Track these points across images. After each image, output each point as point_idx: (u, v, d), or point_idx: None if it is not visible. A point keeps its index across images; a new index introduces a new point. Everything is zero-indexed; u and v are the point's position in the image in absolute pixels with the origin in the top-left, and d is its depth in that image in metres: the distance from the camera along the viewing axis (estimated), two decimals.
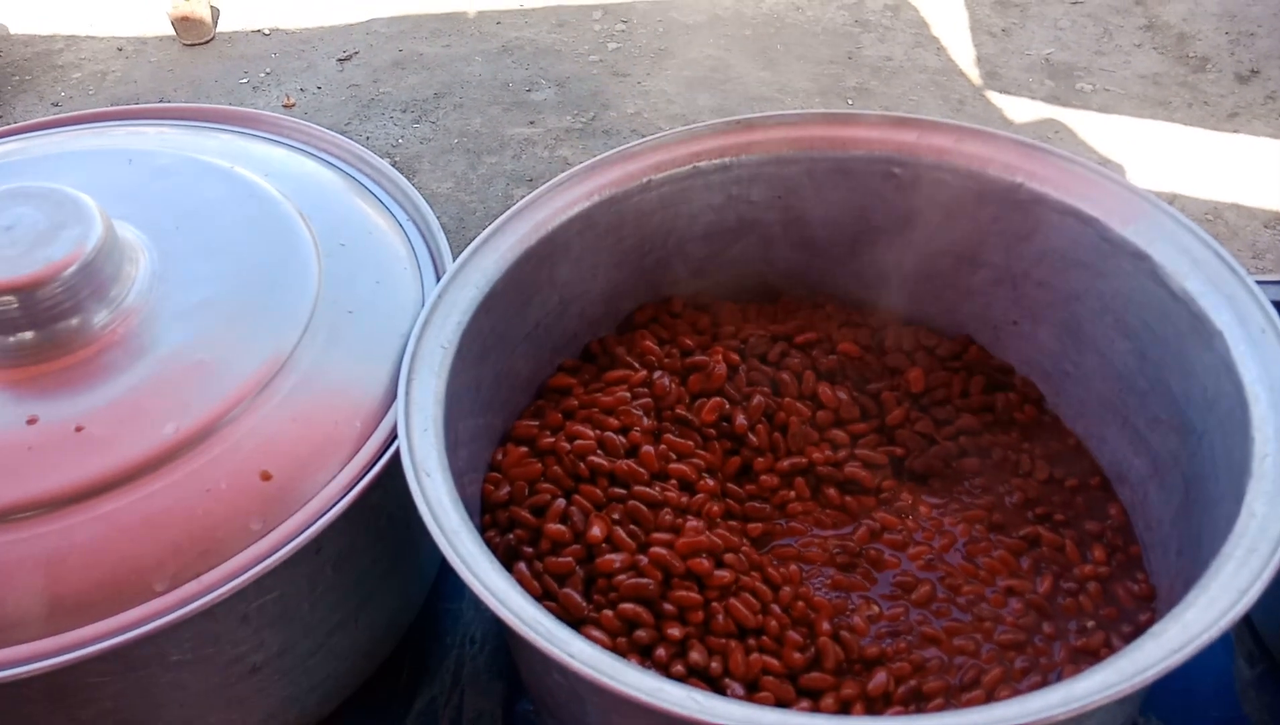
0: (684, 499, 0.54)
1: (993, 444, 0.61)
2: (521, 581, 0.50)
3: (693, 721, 0.37)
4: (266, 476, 0.49)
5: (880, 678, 0.49)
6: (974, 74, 2.21)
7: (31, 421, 0.49)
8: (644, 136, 0.62)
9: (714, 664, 0.48)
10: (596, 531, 0.52)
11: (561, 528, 0.52)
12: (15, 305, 0.50)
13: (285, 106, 2.21)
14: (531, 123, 2.12)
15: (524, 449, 0.57)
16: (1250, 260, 1.75)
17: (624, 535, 0.52)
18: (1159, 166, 1.94)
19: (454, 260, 0.56)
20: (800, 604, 0.52)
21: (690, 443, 0.57)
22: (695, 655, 0.48)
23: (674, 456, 0.56)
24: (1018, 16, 2.37)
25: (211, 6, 2.47)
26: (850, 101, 2.13)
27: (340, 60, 2.34)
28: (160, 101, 2.19)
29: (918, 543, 0.56)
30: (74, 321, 0.51)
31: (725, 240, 0.65)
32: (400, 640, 0.60)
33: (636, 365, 0.61)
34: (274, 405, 0.51)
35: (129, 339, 0.52)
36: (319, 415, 0.52)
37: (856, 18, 2.39)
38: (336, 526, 0.48)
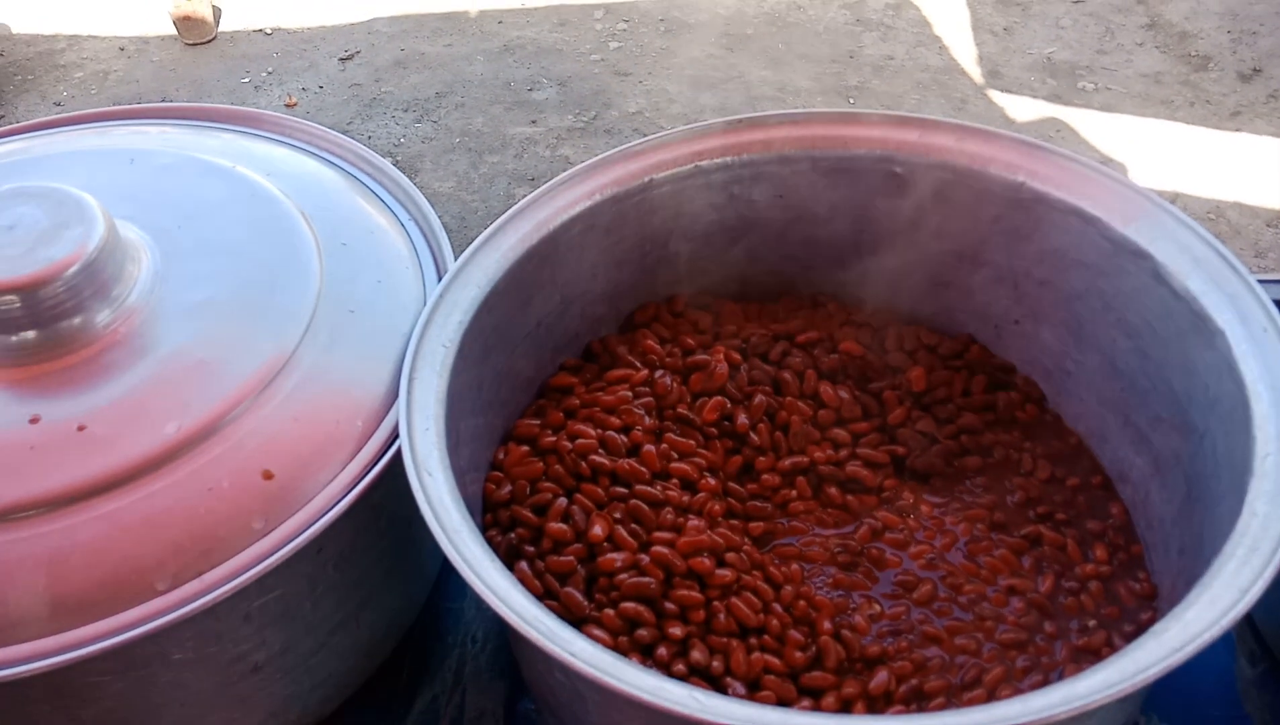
0: (685, 498, 0.54)
1: (994, 443, 0.61)
2: (523, 580, 0.50)
3: (694, 720, 0.37)
4: (268, 475, 0.49)
5: (882, 677, 0.49)
6: (976, 73, 2.21)
7: (34, 421, 0.49)
8: (646, 136, 0.62)
9: (715, 663, 0.48)
10: (598, 530, 0.52)
11: (563, 527, 0.52)
12: (17, 304, 0.50)
13: (287, 106, 2.21)
14: (533, 122, 2.12)
15: (525, 448, 0.57)
16: (1252, 259, 1.75)
17: (625, 534, 0.52)
18: (1161, 165, 1.94)
19: (456, 259, 0.56)
20: (802, 603, 0.52)
21: (692, 442, 0.57)
22: (697, 654, 0.48)
23: (675, 455, 0.56)
24: (1019, 15, 2.37)
25: (213, 6, 2.47)
26: (852, 100, 2.13)
27: (342, 60, 2.34)
28: (162, 101, 2.19)
29: (919, 542, 0.56)
30: (76, 321, 0.51)
31: (727, 239, 0.65)
32: (402, 639, 0.60)
33: (638, 364, 0.61)
34: (276, 404, 0.51)
35: (131, 338, 0.52)
36: (321, 414, 0.52)
37: (858, 17, 2.39)
38: (338, 526, 0.48)
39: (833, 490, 0.58)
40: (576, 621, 0.49)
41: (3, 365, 0.51)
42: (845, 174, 0.63)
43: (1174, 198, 1.84)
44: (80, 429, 0.48)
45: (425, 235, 0.63)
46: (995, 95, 2.14)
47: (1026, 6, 2.39)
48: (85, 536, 0.46)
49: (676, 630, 0.49)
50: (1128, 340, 0.57)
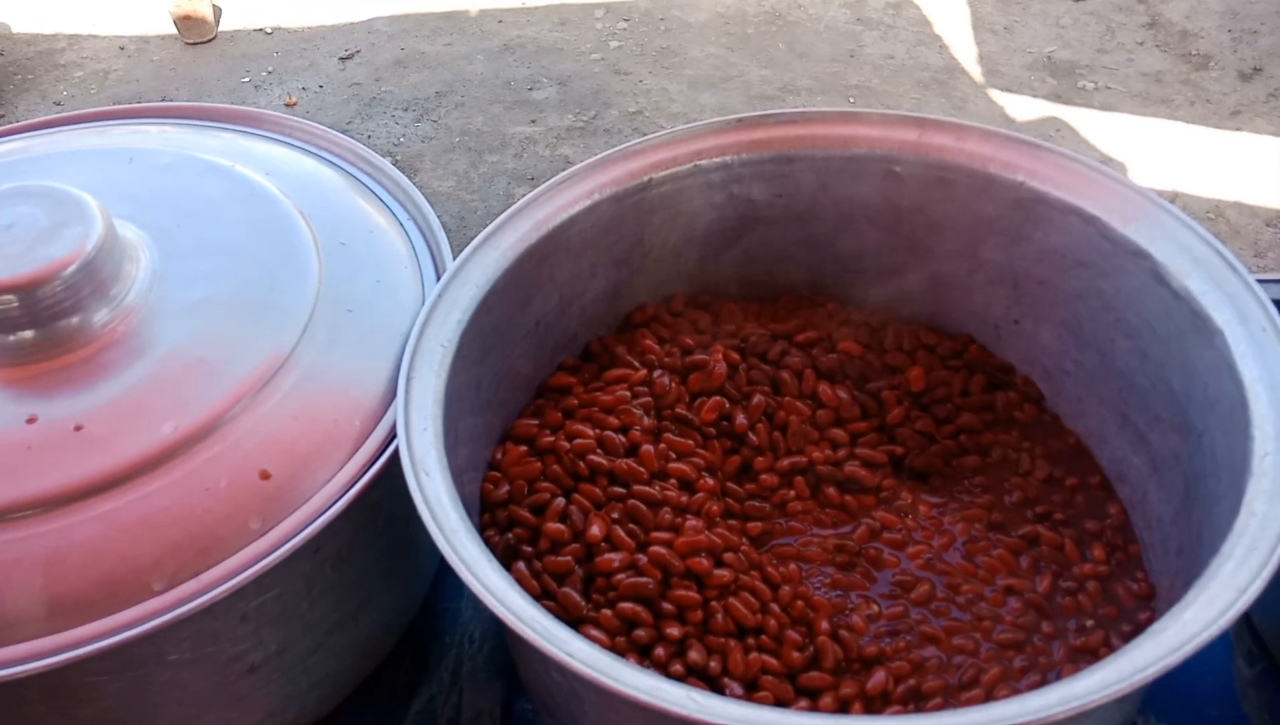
0: (683, 498, 0.54)
1: (993, 443, 0.60)
2: (520, 581, 0.50)
3: (691, 721, 0.37)
4: (266, 475, 0.49)
5: (879, 677, 0.49)
6: (976, 72, 2.21)
7: (31, 420, 0.49)
8: (645, 135, 0.62)
9: (713, 663, 0.48)
10: (596, 530, 0.52)
11: (560, 527, 0.52)
12: (15, 304, 0.50)
13: (287, 105, 2.21)
14: (533, 121, 2.12)
15: (523, 448, 0.57)
16: (1252, 259, 1.75)
17: (623, 534, 0.52)
18: (1161, 165, 1.94)
19: (454, 259, 0.56)
20: (799, 603, 0.51)
21: (690, 442, 0.57)
22: (694, 654, 0.48)
23: (674, 455, 0.56)
24: (1020, 14, 2.37)
25: (214, 5, 2.47)
26: (852, 100, 2.13)
27: (342, 59, 2.34)
28: (162, 100, 2.19)
29: (917, 542, 0.56)
30: (74, 320, 0.51)
31: (726, 239, 0.65)
32: (399, 639, 0.60)
33: (636, 364, 0.61)
34: (273, 404, 0.51)
35: (129, 338, 0.52)
36: (319, 414, 0.52)
37: (858, 16, 2.39)
38: (336, 525, 0.48)
39: (831, 490, 0.58)
40: (574, 622, 0.49)
41: (0, 364, 0.51)
42: (845, 173, 0.63)
43: (1174, 197, 1.84)
44: (77, 429, 0.48)
45: (424, 235, 0.63)
46: (995, 94, 2.14)
47: (1027, 5, 2.39)
48: (82, 536, 0.46)
49: (674, 630, 0.49)
50: (1127, 340, 0.57)
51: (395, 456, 0.48)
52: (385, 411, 0.53)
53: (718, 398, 0.59)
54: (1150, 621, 0.45)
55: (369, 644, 0.57)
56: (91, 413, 0.49)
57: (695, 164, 0.62)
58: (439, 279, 0.56)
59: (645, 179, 0.61)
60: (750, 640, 0.49)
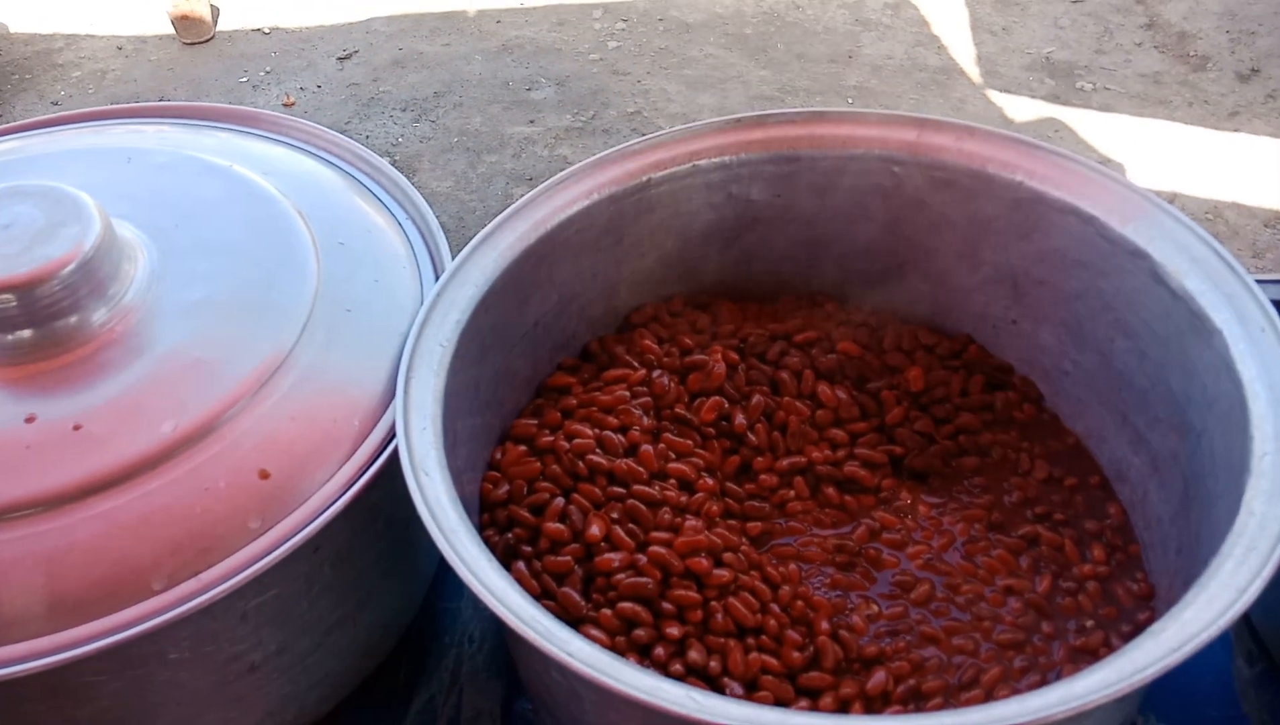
0: (683, 498, 0.54)
1: (992, 443, 0.60)
2: (520, 580, 0.50)
3: (691, 720, 0.37)
4: (265, 475, 0.49)
5: (879, 677, 0.49)
6: (974, 73, 2.21)
7: (30, 420, 0.49)
8: (644, 135, 0.62)
9: (713, 663, 0.48)
10: (595, 530, 0.52)
11: (560, 527, 0.52)
12: (13, 303, 0.50)
13: (285, 105, 2.21)
14: (531, 121, 2.12)
15: (523, 448, 0.57)
16: (1250, 259, 1.75)
17: (623, 534, 0.52)
18: (1159, 165, 1.94)
19: (453, 259, 0.56)
20: (799, 603, 0.51)
21: (689, 442, 0.57)
22: (694, 654, 0.48)
23: (673, 455, 0.56)
24: (1018, 15, 2.37)
25: (211, 5, 2.47)
26: (850, 100, 2.13)
27: (340, 59, 2.34)
28: (160, 100, 2.19)
29: (917, 542, 0.56)
30: (72, 320, 0.51)
31: (725, 239, 0.65)
32: (399, 639, 0.60)
33: (635, 364, 0.61)
34: (272, 404, 0.51)
35: (127, 337, 0.52)
36: (317, 414, 0.51)
37: (857, 17, 2.39)
38: (335, 525, 0.48)
39: (830, 490, 0.58)
40: (574, 621, 0.49)
41: None
42: (843, 174, 0.63)
43: (1172, 198, 1.84)
44: (76, 428, 0.48)
45: (423, 234, 0.63)
46: (994, 95, 2.14)
47: (1025, 6, 2.39)
48: (81, 536, 0.46)
49: (674, 630, 0.49)
50: (1126, 340, 0.57)
51: (394, 456, 0.48)
52: (384, 411, 0.53)
53: (717, 398, 0.59)
54: (1150, 622, 0.45)
55: (368, 644, 0.57)
56: (90, 412, 0.49)
57: (694, 164, 0.62)
58: (437, 279, 0.56)
59: (644, 179, 0.61)
60: (750, 640, 0.49)
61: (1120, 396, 0.58)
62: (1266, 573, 0.40)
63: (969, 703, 0.48)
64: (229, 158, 0.63)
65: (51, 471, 0.47)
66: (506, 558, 0.52)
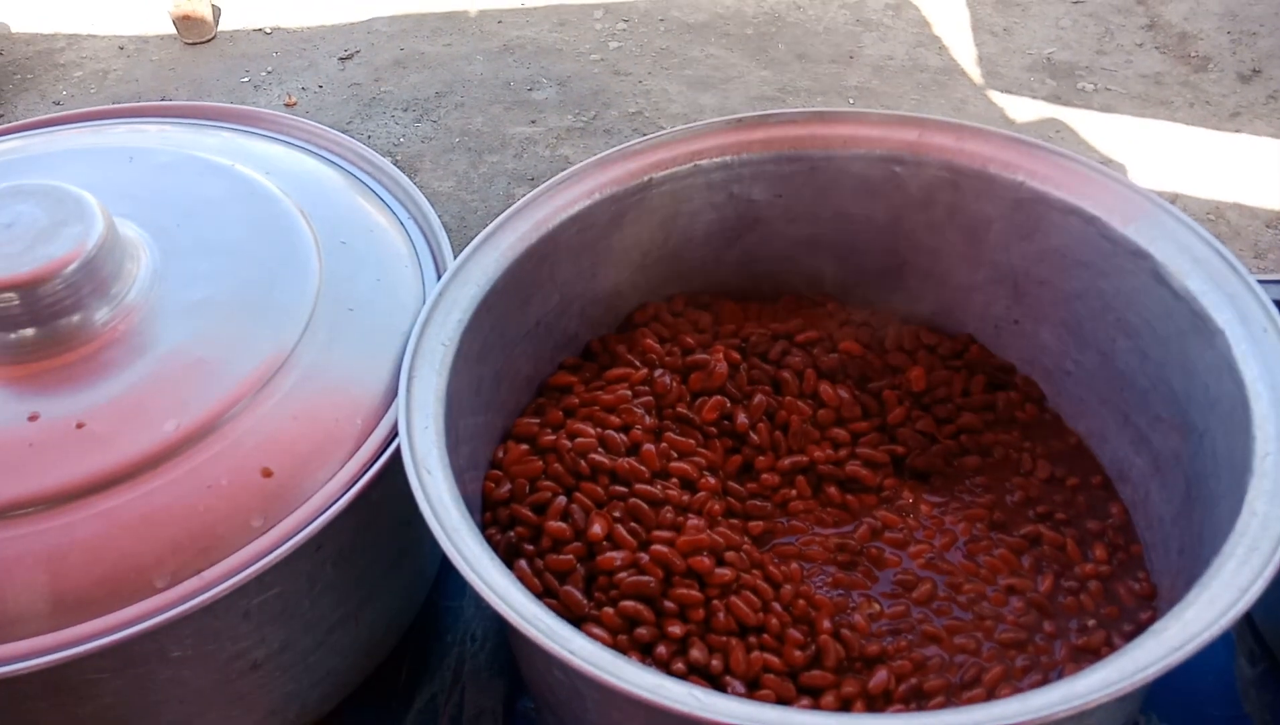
0: (685, 497, 0.54)
1: (994, 443, 0.61)
2: (522, 579, 0.50)
3: (693, 718, 0.37)
4: (267, 473, 0.49)
5: (881, 676, 0.49)
6: (975, 73, 2.21)
7: (33, 418, 0.49)
8: (645, 135, 0.62)
9: (715, 662, 0.48)
10: (597, 529, 0.52)
11: (562, 525, 0.52)
12: (16, 302, 0.50)
13: (287, 105, 2.21)
14: (533, 122, 2.12)
15: (525, 447, 0.57)
16: (1252, 260, 1.75)
17: (625, 533, 0.52)
18: (1161, 166, 1.94)
19: (455, 258, 0.56)
20: (801, 602, 0.51)
21: (691, 441, 0.57)
22: (696, 653, 0.48)
23: (675, 455, 0.56)
24: (1019, 15, 2.37)
25: (213, 5, 2.47)
26: (852, 101, 2.13)
27: (342, 59, 2.34)
28: (161, 100, 2.19)
29: (919, 541, 0.56)
30: (75, 318, 0.51)
31: (726, 238, 0.65)
32: (401, 638, 0.60)
33: (637, 363, 0.61)
34: (275, 402, 0.51)
35: (130, 336, 0.52)
36: (320, 413, 0.52)
37: (858, 17, 2.39)
38: (337, 523, 0.48)
39: (832, 489, 0.58)
40: (576, 620, 0.49)
41: (1, 363, 0.51)
42: (845, 174, 0.63)
43: (1174, 198, 1.84)
44: (79, 427, 0.48)
45: (425, 234, 0.63)
46: (995, 95, 2.14)
47: (1026, 7, 2.39)
48: (84, 534, 0.46)
49: (676, 629, 0.49)
50: (1127, 340, 0.57)
51: (397, 455, 0.48)
52: (386, 410, 0.53)
53: (719, 397, 0.59)
54: (1152, 621, 0.45)
55: (371, 642, 0.57)
56: (93, 411, 0.49)
57: (695, 164, 0.62)
58: (439, 278, 0.56)
59: (645, 179, 0.61)
60: (752, 639, 0.49)
61: (1122, 396, 0.58)
62: (1268, 573, 0.40)
63: (971, 701, 0.48)
64: (231, 157, 0.63)
65: (54, 470, 0.47)
66: (509, 556, 0.52)
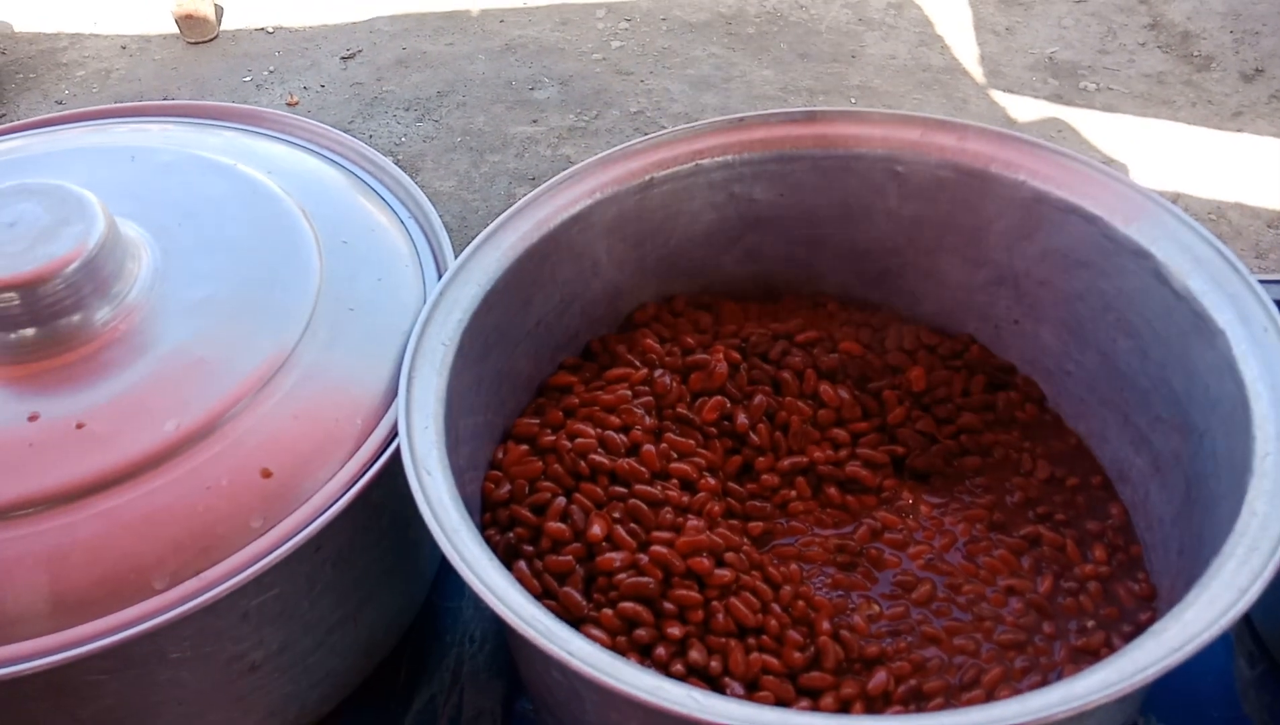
0: (685, 498, 0.54)
1: (994, 443, 0.60)
2: (521, 580, 0.50)
3: (692, 720, 0.37)
4: (267, 474, 0.49)
5: (880, 677, 0.49)
6: (977, 72, 2.21)
7: (33, 418, 0.49)
8: (647, 135, 0.62)
9: (714, 663, 0.48)
10: (597, 530, 0.52)
11: (562, 526, 0.52)
12: (17, 302, 0.50)
13: (289, 104, 2.21)
14: (534, 121, 2.12)
15: (525, 447, 0.57)
16: (1253, 260, 1.75)
17: (624, 534, 0.52)
18: (1162, 165, 1.94)
19: (456, 258, 0.56)
20: (800, 603, 0.51)
21: (691, 441, 0.57)
22: (695, 654, 0.48)
23: (675, 455, 0.56)
24: (1021, 15, 2.37)
25: (215, 5, 2.47)
26: (854, 100, 2.13)
27: (344, 58, 2.34)
28: (164, 99, 2.20)
29: (918, 542, 0.56)
30: (75, 318, 0.51)
31: (727, 238, 0.65)
32: (400, 638, 0.60)
33: (638, 364, 0.61)
34: (275, 402, 0.51)
35: (130, 336, 0.52)
36: (320, 413, 0.52)
37: (860, 16, 2.39)
38: (337, 524, 0.48)
39: (832, 490, 0.58)
40: (575, 621, 0.49)
41: (2, 362, 0.51)
42: (846, 173, 0.63)
43: (1175, 198, 1.84)
44: (79, 427, 0.48)
45: (426, 234, 0.63)
46: (997, 95, 2.14)
47: (1028, 6, 2.39)
48: (84, 534, 0.46)
49: (675, 630, 0.49)
50: (1128, 340, 0.57)
51: (396, 455, 0.48)
52: (386, 410, 0.53)
53: (719, 397, 0.59)
54: (1151, 622, 0.45)
55: (370, 643, 0.57)
56: (93, 411, 0.49)
57: (697, 163, 0.62)
58: (440, 278, 0.56)
59: (647, 178, 0.61)
60: (751, 640, 0.49)
61: (1122, 397, 0.58)
62: (1268, 573, 0.40)
63: (970, 703, 0.48)
64: (233, 156, 0.63)
65: (54, 470, 0.47)
66: (508, 557, 0.52)
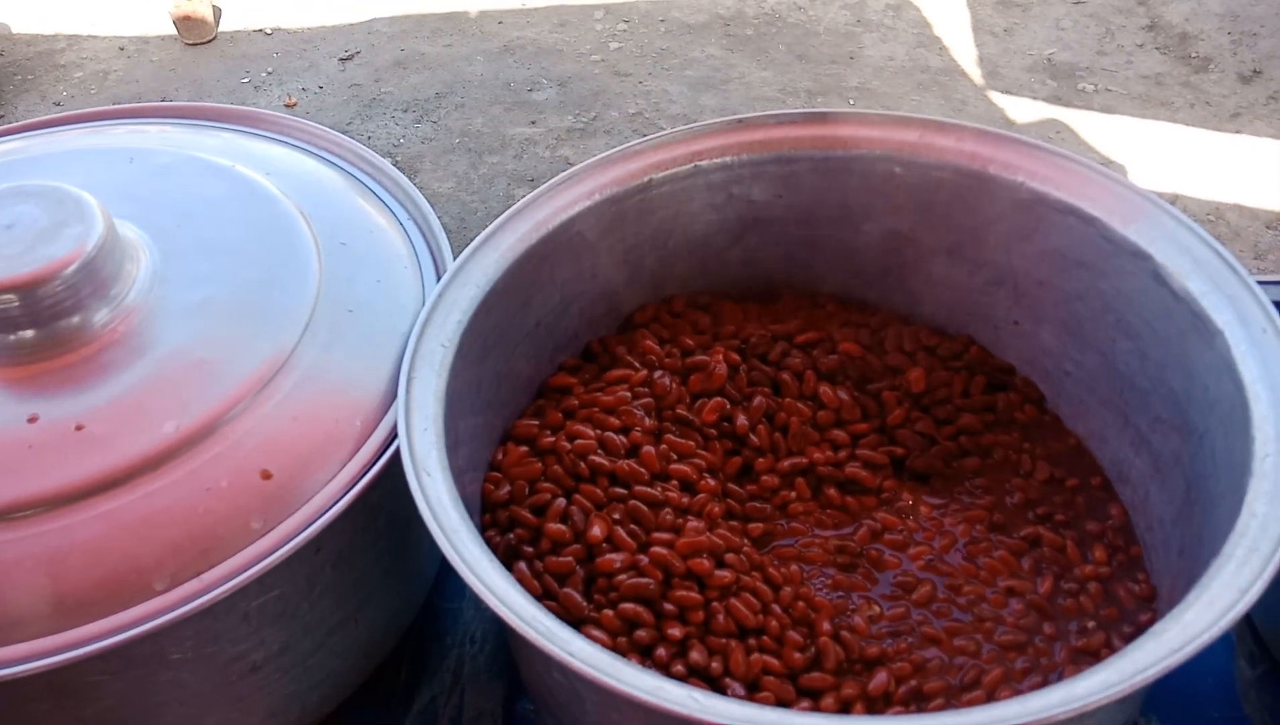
0: (685, 499, 0.54)
1: (993, 444, 0.60)
2: (522, 581, 0.50)
3: (693, 720, 0.37)
4: (267, 475, 0.49)
5: (881, 678, 0.49)
6: (976, 74, 2.21)
7: (32, 420, 0.49)
8: (645, 136, 0.62)
9: (714, 664, 0.48)
10: (597, 531, 0.52)
11: (562, 527, 0.52)
12: (16, 303, 0.50)
13: (287, 106, 2.21)
14: (533, 122, 2.12)
15: (524, 448, 0.57)
16: (1252, 261, 1.75)
17: (624, 535, 0.52)
18: (1161, 167, 1.94)
19: (455, 259, 0.56)
20: (801, 604, 0.51)
21: (691, 443, 0.57)
22: (695, 655, 0.48)
23: (675, 456, 0.56)
24: (1019, 16, 2.37)
25: (213, 6, 2.47)
26: (852, 101, 2.13)
27: (342, 60, 2.34)
28: (162, 101, 2.19)
29: (918, 543, 0.56)
30: (75, 320, 0.51)
31: (726, 239, 0.65)
32: (400, 639, 0.60)
33: (637, 365, 0.61)
34: (274, 404, 0.51)
35: (130, 337, 0.52)
36: (319, 414, 0.52)
37: (858, 18, 2.39)
38: (337, 525, 0.48)
39: (832, 491, 0.58)
40: (575, 622, 0.49)
41: (1, 364, 0.51)
42: (845, 174, 0.63)
43: (1174, 199, 1.84)
44: (78, 428, 0.48)
45: (424, 235, 0.63)
46: (995, 96, 2.14)
47: (1026, 7, 2.39)
48: (84, 536, 0.46)
49: (675, 631, 0.49)
50: (1127, 341, 0.57)
51: (396, 456, 0.48)
52: (386, 412, 0.53)
53: (718, 398, 0.59)
54: (1151, 623, 0.45)
55: (370, 644, 0.57)
56: (93, 412, 0.49)
57: (695, 165, 0.62)
58: (439, 279, 0.56)
59: (645, 180, 0.61)
60: (752, 641, 0.49)
61: (1122, 397, 0.58)
62: (1268, 574, 0.40)
63: (971, 703, 0.48)
64: (231, 158, 0.63)
65: (53, 472, 0.47)
66: (508, 558, 0.52)
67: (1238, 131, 2.01)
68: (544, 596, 0.50)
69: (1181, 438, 0.53)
